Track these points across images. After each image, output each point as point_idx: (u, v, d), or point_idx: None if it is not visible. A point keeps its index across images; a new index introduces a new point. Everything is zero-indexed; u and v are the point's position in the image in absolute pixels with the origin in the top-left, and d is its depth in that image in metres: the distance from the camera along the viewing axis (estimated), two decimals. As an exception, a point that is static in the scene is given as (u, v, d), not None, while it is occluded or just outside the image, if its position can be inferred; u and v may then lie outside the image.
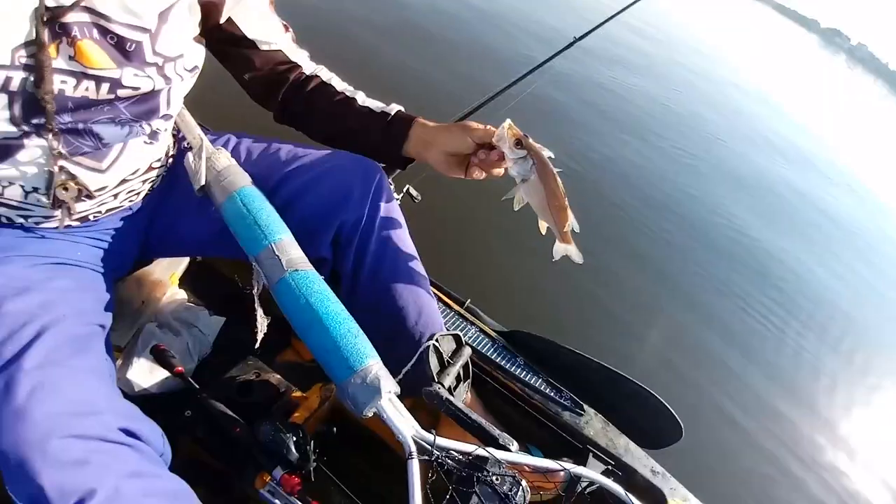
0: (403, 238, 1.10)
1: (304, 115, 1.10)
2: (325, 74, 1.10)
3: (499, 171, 1.02)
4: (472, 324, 1.41)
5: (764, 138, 7.09)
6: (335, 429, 1.05)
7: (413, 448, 0.90)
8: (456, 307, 1.43)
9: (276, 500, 0.95)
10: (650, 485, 1.27)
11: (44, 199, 0.82)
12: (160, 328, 1.19)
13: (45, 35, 0.68)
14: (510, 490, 0.99)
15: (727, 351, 2.85)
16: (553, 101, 4.48)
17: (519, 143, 0.96)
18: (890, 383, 3.43)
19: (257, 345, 1.06)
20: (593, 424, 1.32)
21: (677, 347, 2.71)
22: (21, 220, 0.86)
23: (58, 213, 0.85)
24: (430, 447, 0.92)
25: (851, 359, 3.40)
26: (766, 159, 6.23)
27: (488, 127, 1.00)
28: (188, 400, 1.03)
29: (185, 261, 1.33)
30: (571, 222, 1.01)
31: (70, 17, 0.69)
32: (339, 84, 1.11)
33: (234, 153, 1.05)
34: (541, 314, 2.26)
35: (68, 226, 0.89)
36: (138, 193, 0.98)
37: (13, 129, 0.73)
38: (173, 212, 1.05)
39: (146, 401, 1.03)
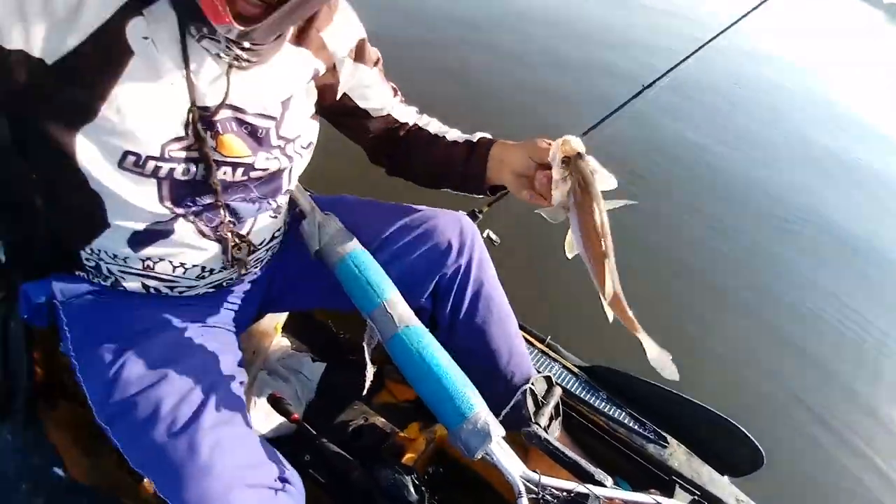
0: (495, 284, 1.19)
1: (404, 162, 1.17)
2: (424, 121, 1.16)
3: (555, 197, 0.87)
4: (555, 360, 1.48)
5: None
6: (442, 469, 1.13)
7: (522, 488, 0.98)
8: (538, 344, 1.51)
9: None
10: (738, 513, 1.31)
11: (218, 263, 0.95)
12: (270, 375, 1.30)
13: (201, 131, 0.78)
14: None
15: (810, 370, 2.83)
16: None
17: (567, 161, 0.82)
18: None
19: (364, 392, 1.15)
20: (677, 456, 1.37)
21: (750, 367, 2.70)
22: (167, 291, 0.97)
23: (230, 271, 0.99)
24: (536, 486, 0.99)
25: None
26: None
27: (552, 143, 0.88)
28: (305, 444, 1.13)
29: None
30: (614, 283, 0.83)
31: (218, 116, 0.80)
32: (435, 126, 1.16)
33: (340, 215, 1.16)
34: (617, 347, 2.30)
35: (223, 288, 1.02)
36: (263, 261, 1.09)
37: (166, 212, 0.83)
38: (289, 273, 1.17)
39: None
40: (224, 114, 0.81)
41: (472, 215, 1.48)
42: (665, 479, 1.32)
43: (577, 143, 0.82)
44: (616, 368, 1.47)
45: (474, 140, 1.08)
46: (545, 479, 1.01)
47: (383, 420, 1.25)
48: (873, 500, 2.35)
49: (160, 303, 0.98)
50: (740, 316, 3.04)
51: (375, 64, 1.06)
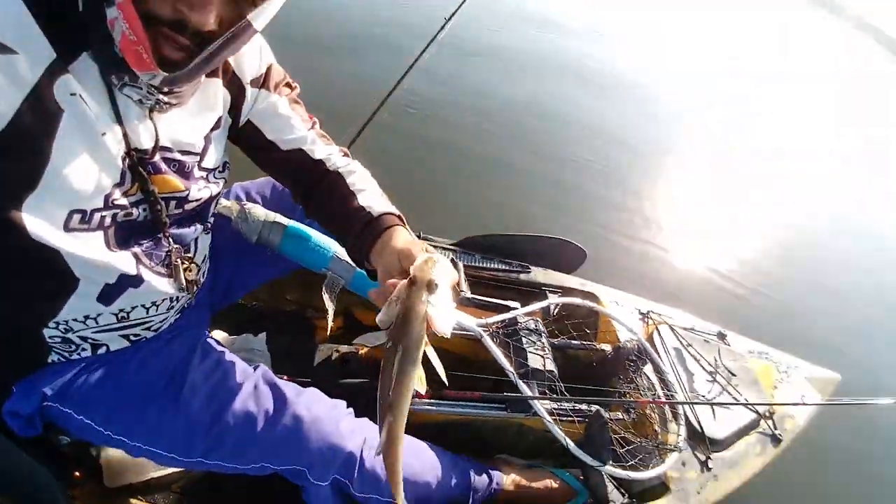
0: None
1: (318, 208, 1.12)
2: (345, 168, 1.10)
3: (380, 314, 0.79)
4: (436, 245, 1.87)
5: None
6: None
7: (481, 331, 1.40)
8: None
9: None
10: (585, 292, 1.91)
11: (171, 289, 0.99)
12: (236, 361, 1.48)
13: (144, 174, 0.83)
14: (536, 327, 1.55)
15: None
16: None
17: (413, 282, 0.74)
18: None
19: (328, 332, 1.42)
20: (539, 273, 1.91)
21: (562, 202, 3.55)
22: (147, 334, 1.02)
23: (185, 294, 1.04)
24: (487, 326, 1.42)
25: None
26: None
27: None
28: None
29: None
30: (388, 433, 0.76)
31: (153, 157, 0.85)
32: (356, 178, 1.08)
33: (251, 199, 1.32)
34: (471, 223, 2.83)
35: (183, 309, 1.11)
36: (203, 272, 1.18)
37: (124, 258, 0.86)
38: (231, 268, 1.30)
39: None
40: (156, 155, 0.85)
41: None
42: (538, 291, 1.85)
43: (436, 270, 0.75)
44: (475, 235, 1.91)
45: (375, 216, 0.98)
46: (490, 320, 1.45)
47: (346, 346, 1.53)
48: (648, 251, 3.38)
49: (147, 347, 1.03)
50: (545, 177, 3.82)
51: (286, 93, 1.09)
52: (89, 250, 0.80)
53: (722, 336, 1.89)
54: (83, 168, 0.75)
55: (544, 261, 1.97)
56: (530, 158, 3.96)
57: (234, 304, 1.63)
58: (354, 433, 1.08)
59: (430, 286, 0.73)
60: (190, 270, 1.02)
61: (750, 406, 1.56)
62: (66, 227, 0.76)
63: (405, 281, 0.75)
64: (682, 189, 4.46)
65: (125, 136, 0.79)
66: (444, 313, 0.74)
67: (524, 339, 1.47)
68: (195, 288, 1.07)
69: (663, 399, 1.52)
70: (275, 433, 1.02)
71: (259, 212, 1.26)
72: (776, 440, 1.54)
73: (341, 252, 1.29)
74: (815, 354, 1.98)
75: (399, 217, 1.00)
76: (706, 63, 8.75)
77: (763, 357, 1.86)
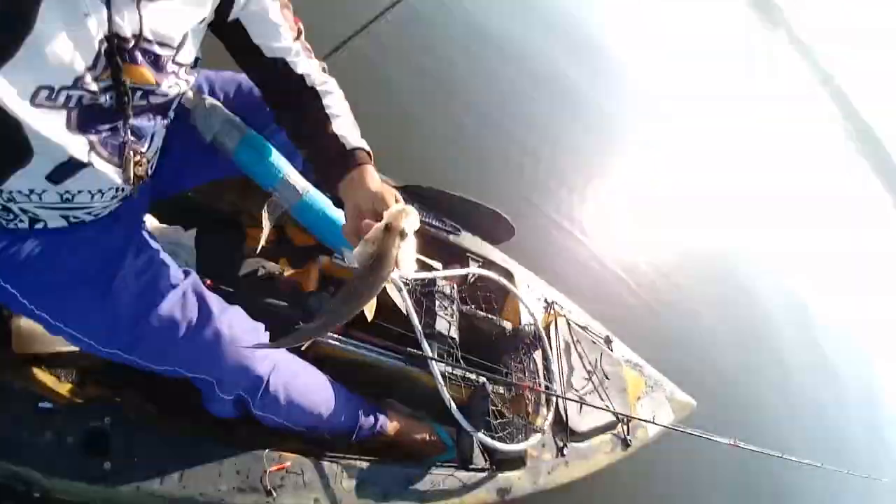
0: None
1: (288, 121, 1.16)
2: (323, 86, 1.11)
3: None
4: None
5: None
6: (332, 288, 1.53)
7: (401, 284, 1.46)
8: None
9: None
10: (503, 268, 2.01)
11: (118, 179, 0.97)
12: (155, 251, 1.46)
13: (119, 61, 0.79)
14: (450, 293, 1.63)
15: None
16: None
17: (387, 229, 0.86)
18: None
19: (258, 250, 1.43)
20: (467, 238, 1.98)
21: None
22: (87, 218, 1.00)
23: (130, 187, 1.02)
24: (407, 280, 1.48)
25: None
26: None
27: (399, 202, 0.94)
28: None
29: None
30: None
31: (129, 46, 0.81)
32: (332, 99, 1.11)
33: (214, 94, 1.25)
34: (421, 168, 2.84)
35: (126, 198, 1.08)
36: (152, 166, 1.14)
37: (80, 141, 0.85)
38: (177, 161, 1.23)
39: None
40: (134, 44, 0.82)
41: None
42: (462, 254, 1.93)
43: (407, 221, 0.87)
44: (421, 185, 1.95)
45: (348, 149, 1.04)
46: (411, 275, 1.51)
47: (273, 264, 1.56)
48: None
49: (84, 230, 1.01)
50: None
51: None
52: (49, 128, 0.78)
53: (608, 341, 2.07)
54: (60, 45, 0.72)
55: (475, 228, 2.05)
56: (495, 116, 3.98)
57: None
58: (266, 358, 1.14)
59: (403, 234, 0.87)
60: (140, 165, 0.99)
61: (611, 410, 1.76)
62: (33, 101, 0.74)
63: (381, 225, 0.86)
64: (617, 192, 4.65)
65: (109, 19, 0.76)
66: (409, 258, 0.90)
67: (437, 302, 1.55)
68: (140, 182, 1.03)
69: (542, 387, 1.67)
70: (194, 344, 1.06)
71: (220, 111, 1.22)
72: (626, 444, 1.75)
73: (292, 174, 1.28)
74: (681, 378, 2.23)
75: (369, 154, 1.06)
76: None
77: (636, 369, 2.07)
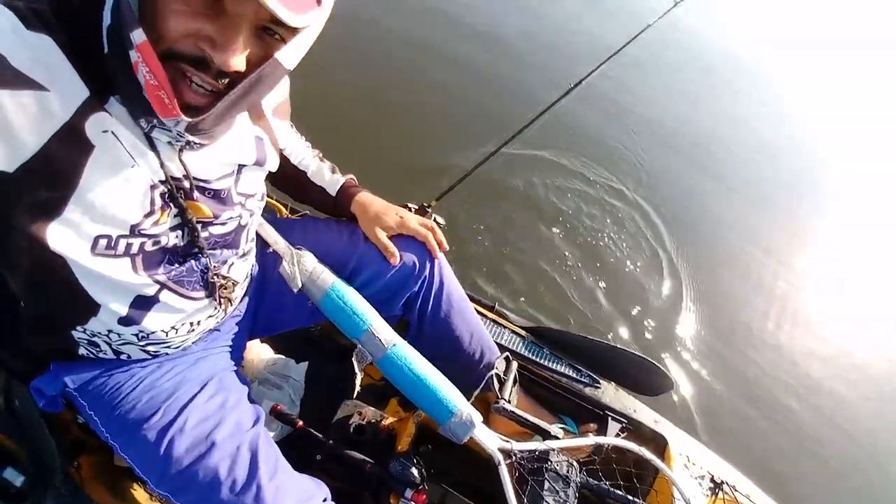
0: (452, 280, 1.39)
1: (274, 178, 1.26)
2: (289, 147, 1.29)
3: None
4: (504, 327, 1.72)
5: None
6: (430, 445, 1.37)
7: (500, 457, 1.23)
8: (488, 313, 1.75)
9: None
10: (654, 433, 1.65)
11: (206, 311, 1.02)
12: (263, 385, 1.46)
13: (180, 201, 0.84)
14: (567, 471, 1.35)
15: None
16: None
17: None
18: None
19: (354, 395, 1.35)
20: (608, 392, 1.68)
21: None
22: (168, 351, 1.04)
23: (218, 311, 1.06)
24: (510, 454, 1.26)
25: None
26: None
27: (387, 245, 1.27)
28: (314, 446, 1.31)
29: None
30: None
31: (184, 186, 0.85)
32: (297, 156, 1.32)
33: (308, 241, 1.27)
34: (551, 307, 2.61)
35: (213, 330, 1.11)
36: (240, 298, 1.19)
37: (147, 282, 0.87)
38: (272, 302, 1.29)
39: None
40: (187, 183, 0.85)
41: (423, 209, 1.64)
42: (600, 414, 1.63)
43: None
44: (553, 327, 1.73)
45: (333, 194, 1.34)
46: (515, 446, 1.28)
47: (373, 409, 1.45)
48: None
49: (168, 364, 1.06)
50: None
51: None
52: (114, 275, 0.81)
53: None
54: (110, 197, 0.75)
55: (620, 378, 1.74)
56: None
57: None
58: None
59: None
60: (226, 288, 1.03)
61: None
62: (93, 251, 0.77)
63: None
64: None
65: (161, 165, 0.79)
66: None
67: (547, 484, 1.28)
68: (230, 306, 1.07)
69: None
70: None
71: (308, 263, 1.21)
72: None
73: (379, 327, 1.20)
74: None
75: (354, 180, 1.37)
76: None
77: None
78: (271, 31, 0.70)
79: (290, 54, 0.72)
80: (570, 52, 5.31)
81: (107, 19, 0.69)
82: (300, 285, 1.21)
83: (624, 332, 2.81)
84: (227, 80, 0.70)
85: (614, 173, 3.89)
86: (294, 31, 0.70)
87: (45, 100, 0.66)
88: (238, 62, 0.68)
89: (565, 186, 3.57)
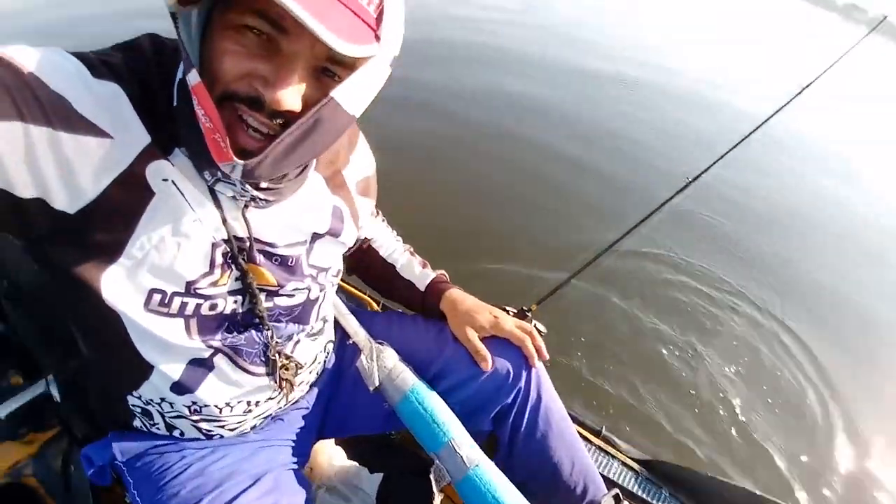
0: (553, 397, 1.18)
1: (362, 272, 1.28)
2: (378, 240, 1.25)
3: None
4: (613, 456, 1.46)
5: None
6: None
7: None
8: (594, 439, 1.49)
9: None
10: None
11: (264, 391, 0.94)
12: (329, 493, 1.29)
13: (243, 264, 0.79)
14: None
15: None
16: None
17: None
18: None
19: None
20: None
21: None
22: (222, 433, 0.96)
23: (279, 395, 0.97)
24: None
25: None
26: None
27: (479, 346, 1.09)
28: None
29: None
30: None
31: (249, 249, 0.80)
32: (386, 249, 1.26)
33: (390, 336, 1.15)
34: (673, 434, 2.24)
35: (275, 418, 1.01)
36: (309, 385, 1.09)
37: (200, 347, 0.82)
38: (345, 401, 1.16)
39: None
40: (251, 246, 0.81)
41: (522, 313, 1.47)
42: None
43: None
44: (676, 464, 1.44)
45: (422, 290, 1.22)
46: None
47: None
48: None
49: (223, 450, 0.97)
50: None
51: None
52: (166, 336, 0.77)
53: None
54: (167, 246, 0.72)
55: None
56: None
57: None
58: None
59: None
60: (287, 369, 0.95)
61: None
62: (146, 306, 0.74)
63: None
64: None
65: (224, 222, 0.76)
66: None
67: None
68: (290, 394, 0.99)
69: None
70: None
71: (388, 360, 1.08)
72: None
73: (462, 442, 1.02)
74: None
75: (445, 276, 1.26)
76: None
77: None
78: (330, 73, 0.66)
79: (348, 94, 0.65)
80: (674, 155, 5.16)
81: (179, 73, 0.69)
82: (377, 383, 1.08)
83: (764, 474, 2.33)
84: (281, 121, 0.65)
85: (746, 281, 3.51)
86: (351, 69, 0.65)
87: (109, 146, 0.66)
88: (290, 98, 0.63)
89: (685, 295, 3.24)
